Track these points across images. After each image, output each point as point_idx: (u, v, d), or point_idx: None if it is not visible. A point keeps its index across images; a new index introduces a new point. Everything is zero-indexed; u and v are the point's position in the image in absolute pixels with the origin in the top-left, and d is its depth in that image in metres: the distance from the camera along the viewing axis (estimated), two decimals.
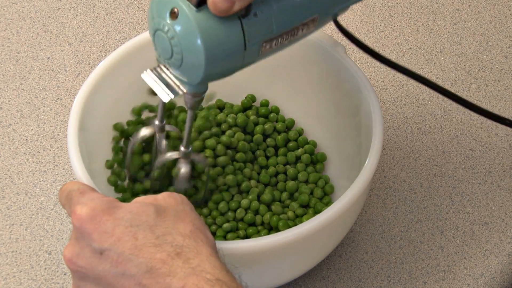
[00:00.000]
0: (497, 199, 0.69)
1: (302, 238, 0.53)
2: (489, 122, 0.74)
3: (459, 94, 0.77)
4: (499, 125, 0.74)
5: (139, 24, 0.83)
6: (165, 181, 0.62)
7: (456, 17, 0.83)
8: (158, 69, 0.52)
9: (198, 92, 0.52)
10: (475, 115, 0.75)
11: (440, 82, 0.78)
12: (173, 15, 0.47)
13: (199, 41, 0.47)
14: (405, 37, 0.82)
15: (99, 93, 0.62)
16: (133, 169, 0.62)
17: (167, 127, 0.61)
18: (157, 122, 0.59)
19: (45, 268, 0.64)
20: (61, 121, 0.74)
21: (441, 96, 0.76)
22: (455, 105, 0.76)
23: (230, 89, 0.70)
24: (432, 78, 0.78)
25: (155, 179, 0.61)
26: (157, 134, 0.60)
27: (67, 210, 0.48)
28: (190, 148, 0.58)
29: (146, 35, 0.65)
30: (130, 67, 0.65)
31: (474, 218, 0.68)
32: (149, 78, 0.52)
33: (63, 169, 0.70)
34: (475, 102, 0.76)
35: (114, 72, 0.63)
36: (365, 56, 0.80)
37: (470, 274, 0.64)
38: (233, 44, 0.48)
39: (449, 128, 0.74)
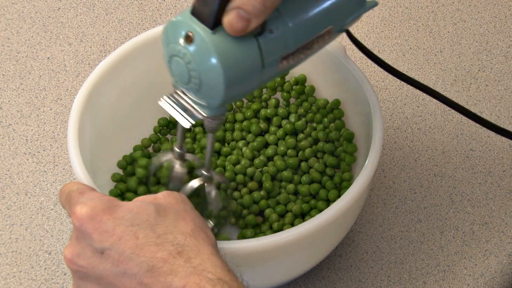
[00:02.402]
0: (497, 199, 0.69)
1: (302, 238, 0.53)
2: None
3: (459, 94, 0.77)
4: (499, 125, 0.74)
5: (139, 24, 0.83)
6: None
7: (456, 17, 0.83)
8: (175, 95, 0.51)
9: (218, 115, 0.50)
10: None
11: (440, 82, 0.78)
12: (189, 39, 0.46)
13: (217, 63, 0.46)
14: (405, 37, 0.82)
15: (99, 93, 0.62)
16: None
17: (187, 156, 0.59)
18: (177, 149, 0.58)
19: (45, 268, 0.64)
20: (61, 121, 0.74)
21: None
22: None
23: None
24: (432, 78, 0.78)
25: None
26: (177, 163, 0.59)
27: (67, 211, 0.48)
28: (212, 172, 0.57)
29: (146, 35, 0.65)
30: (130, 67, 0.65)
31: (474, 218, 0.68)
32: (167, 105, 0.51)
33: (63, 169, 0.70)
34: (474, 102, 0.76)
35: (114, 72, 0.63)
36: (365, 56, 0.80)
37: (470, 274, 0.64)
38: (251, 63, 0.47)
39: (449, 128, 0.74)
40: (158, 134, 0.69)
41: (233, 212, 0.63)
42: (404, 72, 0.78)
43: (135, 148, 0.67)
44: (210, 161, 0.56)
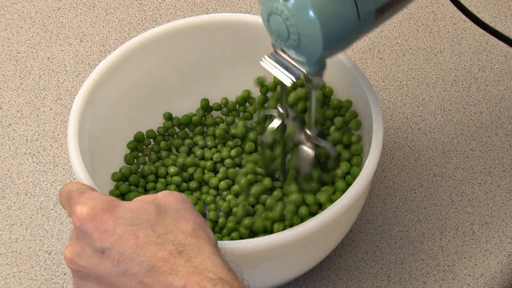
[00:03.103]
0: (497, 199, 0.69)
1: (302, 238, 0.53)
2: (489, 122, 0.74)
3: (459, 94, 0.77)
4: (499, 125, 0.74)
5: (139, 24, 0.83)
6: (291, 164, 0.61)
7: (456, 17, 0.83)
8: (275, 55, 0.52)
9: (318, 70, 0.51)
10: (475, 115, 0.75)
11: (440, 82, 0.78)
12: None
13: (314, 17, 0.47)
14: (405, 37, 0.82)
15: (99, 93, 0.62)
16: (267, 164, 0.63)
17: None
18: (281, 110, 0.59)
19: (45, 268, 0.64)
20: (61, 121, 0.74)
21: (441, 96, 0.76)
22: (455, 105, 0.76)
23: (227, 87, 0.70)
24: (432, 78, 0.78)
25: (303, 177, 0.60)
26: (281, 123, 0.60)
27: (67, 211, 0.48)
28: (316, 131, 0.58)
29: (146, 35, 0.65)
30: (130, 67, 0.65)
31: (474, 218, 0.68)
32: (268, 65, 0.52)
33: (63, 169, 0.70)
34: (474, 102, 0.76)
35: (114, 72, 0.63)
36: (365, 56, 0.80)
37: (470, 274, 0.64)
38: (347, 15, 0.48)
39: (449, 128, 0.74)
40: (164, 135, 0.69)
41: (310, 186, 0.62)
42: (404, 72, 0.78)
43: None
44: (314, 120, 0.57)
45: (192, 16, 0.77)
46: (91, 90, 0.61)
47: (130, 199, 0.61)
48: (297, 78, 0.52)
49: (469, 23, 0.83)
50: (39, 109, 0.75)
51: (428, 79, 0.78)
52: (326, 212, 0.54)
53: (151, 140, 0.68)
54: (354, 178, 0.62)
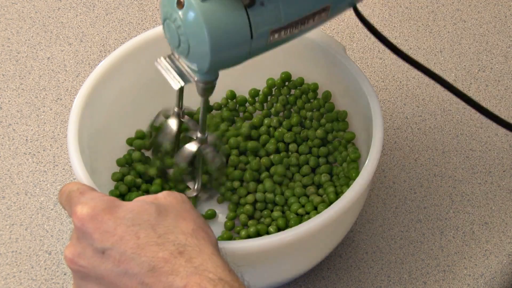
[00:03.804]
0: (497, 199, 0.69)
1: (302, 238, 0.53)
2: (489, 122, 0.74)
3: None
4: (499, 125, 0.74)
5: (139, 24, 0.83)
6: (186, 171, 0.63)
7: (456, 17, 0.83)
8: (172, 57, 0.53)
9: (208, 80, 0.52)
10: (475, 115, 0.75)
11: None
12: (180, 4, 0.48)
13: (204, 31, 0.47)
14: (405, 37, 0.82)
15: (99, 93, 0.62)
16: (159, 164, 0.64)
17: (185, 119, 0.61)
18: (176, 109, 0.60)
19: (45, 268, 0.64)
20: (61, 121, 0.74)
21: (441, 96, 0.76)
22: (455, 105, 0.76)
23: (226, 87, 0.70)
24: None
25: (179, 171, 0.62)
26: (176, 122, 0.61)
27: (68, 211, 0.48)
28: (206, 135, 0.59)
29: (146, 35, 0.65)
30: (130, 67, 0.65)
31: (474, 218, 0.68)
32: (162, 66, 0.53)
33: (63, 169, 0.70)
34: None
35: (114, 72, 0.63)
36: (365, 56, 0.80)
37: (470, 274, 0.64)
38: (239, 33, 0.48)
39: (449, 128, 0.74)
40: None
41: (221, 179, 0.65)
42: (404, 72, 0.78)
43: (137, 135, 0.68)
44: (204, 124, 0.58)
45: None
46: (91, 90, 0.61)
47: (131, 199, 0.61)
48: (186, 83, 0.53)
49: (469, 23, 0.83)
50: (39, 109, 0.75)
51: (428, 79, 0.78)
52: (326, 212, 0.54)
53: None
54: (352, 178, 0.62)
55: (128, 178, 0.63)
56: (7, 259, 0.64)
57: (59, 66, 0.79)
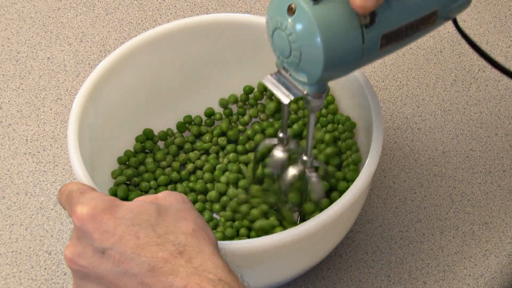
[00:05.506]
0: (497, 199, 0.69)
1: (302, 238, 0.53)
2: (489, 122, 0.74)
3: (459, 94, 0.77)
4: (499, 125, 0.74)
5: (139, 24, 0.83)
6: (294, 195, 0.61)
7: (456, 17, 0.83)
8: (278, 74, 0.52)
9: (318, 92, 0.51)
10: (475, 115, 0.75)
11: (440, 82, 0.78)
12: (290, 11, 0.47)
13: (317, 35, 0.47)
14: None
15: (99, 93, 0.62)
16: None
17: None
18: (280, 135, 0.58)
19: (45, 268, 0.64)
20: (61, 121, 0.74)
21: (441, 96, 0.76)
22: (455, 105, 0.76)
23: (226, 86, 0.70)
24: (432, 78, 0.78)
25: (285, 198, 0.60)
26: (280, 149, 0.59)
27: (68, 211, 0.48)
28: (312, 157, 0.57)
29: (146, 35, 0.65)
30: (130, 67, 0.65)
31: (474, 218, 0.68)
32: (269, 83, 0.52)
33: (63, 169, 0.70)
34: (474, 102, 0.76)
35: (114, 72, 0.63)
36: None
37: (470, 274, 0.64)
38: (351, 37, 0.48)
39: (449, 128, 0.74)
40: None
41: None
42: (404, 72, 0.78)
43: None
44: (311, 146, 0.56)
45: (192, 16, 0.77)
46: (91, 90, 0.61)
47: (131, 199, 0.61)
48: (296, 96, 0.51)
49: (469, 23, 0.83)
50: (39, 109, 0.75)
51: (428, 79, 0.78)
52: (326, 212, 0.54)
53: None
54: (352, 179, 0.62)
55: (128, 171, 0.64)
56: (7, 259, 0.64)
57: (59, 66, 0.79)
